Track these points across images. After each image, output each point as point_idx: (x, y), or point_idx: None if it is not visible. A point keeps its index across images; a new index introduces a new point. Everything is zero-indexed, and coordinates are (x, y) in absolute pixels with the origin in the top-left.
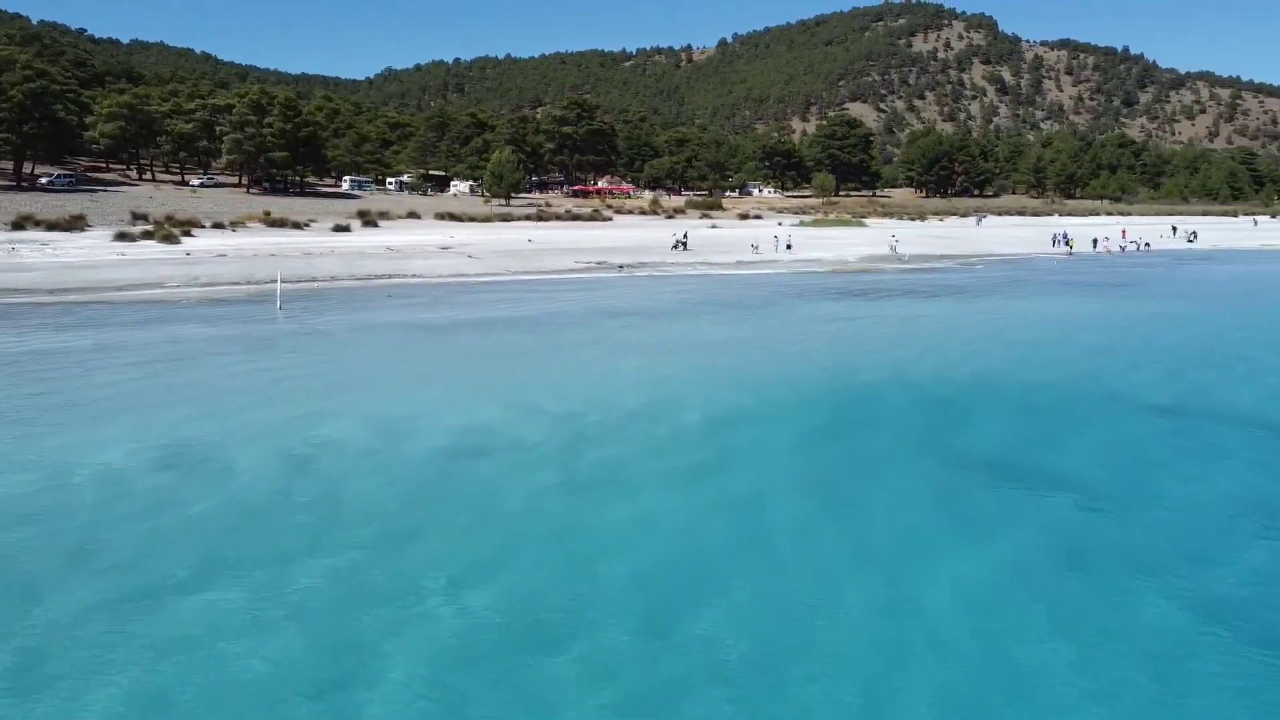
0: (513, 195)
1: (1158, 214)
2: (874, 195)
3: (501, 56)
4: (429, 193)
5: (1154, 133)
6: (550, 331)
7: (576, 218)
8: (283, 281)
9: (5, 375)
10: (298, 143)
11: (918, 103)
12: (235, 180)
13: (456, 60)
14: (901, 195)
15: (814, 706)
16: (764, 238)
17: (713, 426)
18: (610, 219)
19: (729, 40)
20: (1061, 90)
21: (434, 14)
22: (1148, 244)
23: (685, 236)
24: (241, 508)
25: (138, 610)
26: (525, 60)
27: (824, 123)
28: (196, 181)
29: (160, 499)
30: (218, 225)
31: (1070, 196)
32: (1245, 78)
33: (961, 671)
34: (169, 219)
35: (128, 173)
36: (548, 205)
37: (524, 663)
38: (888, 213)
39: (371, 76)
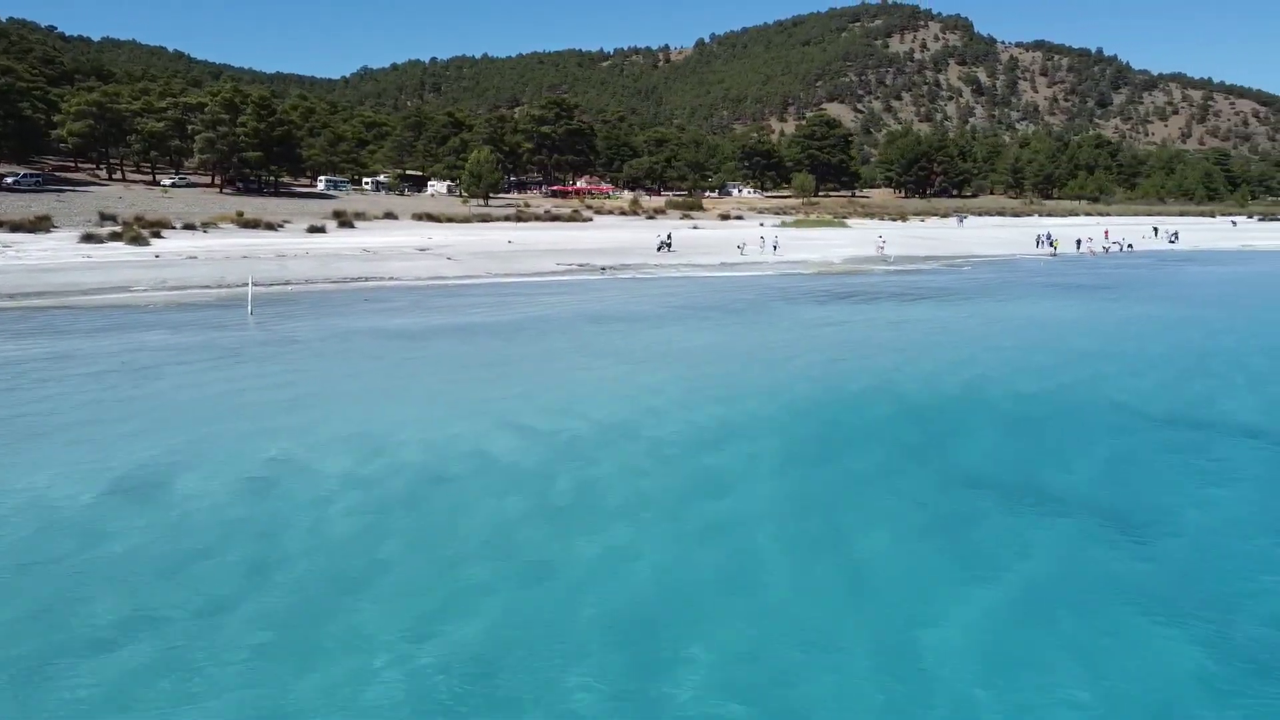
0: (491, 195)
1: (1135, 214)
2: (853, 195)
3: (478, 56)
4: (406, 193)
5: (1128, 133)
6: (531, 338)
7: (556, 218)
8: (255, 285)
9: None
10: (272, 142)
11: (894, 103)
12: (208, 180)
13: (433, 60)
14: (880, 195)
15: None
16: (750, 239)
17: (698, 445)
18: (590, 219)
19: (706, 40)
20: (1036, 91)
21: (410, 13)
22: (1130, 245)
23: (670, 238)
24: (178, 545)
25: (39, 676)
26: (502, 60)
27: (803, 123)
28: (168, 181)
29: (88, 535)
30: (189, 226)
31: (1048, 197)
32: (1217, 79)
33: None
34: (138, 220)
35: (97, 172)
36: (527, 205)
37: None
38: (869, 213)
39: (347, 76)
